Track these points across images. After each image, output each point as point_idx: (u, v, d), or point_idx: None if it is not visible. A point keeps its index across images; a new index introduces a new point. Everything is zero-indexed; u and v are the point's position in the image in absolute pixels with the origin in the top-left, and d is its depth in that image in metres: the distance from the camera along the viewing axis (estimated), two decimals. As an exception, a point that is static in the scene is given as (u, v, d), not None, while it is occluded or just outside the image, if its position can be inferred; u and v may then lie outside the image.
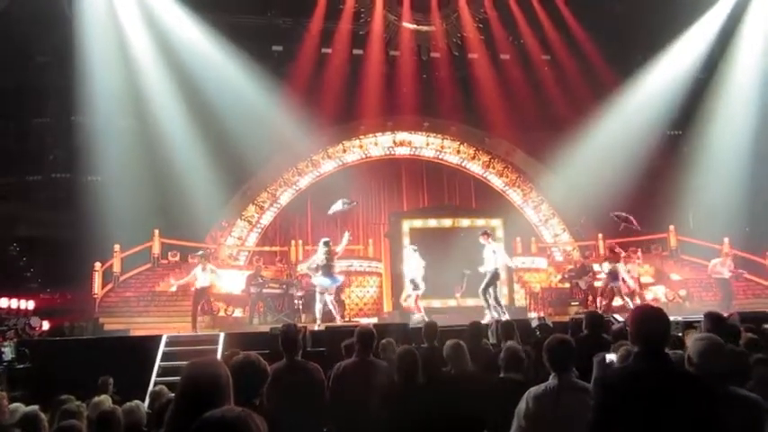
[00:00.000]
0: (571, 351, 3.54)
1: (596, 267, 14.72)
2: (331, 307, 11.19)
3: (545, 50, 18.26)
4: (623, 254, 13.31)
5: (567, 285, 15.56)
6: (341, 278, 11.95)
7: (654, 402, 2.54)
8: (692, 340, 3.21)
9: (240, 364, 2.92)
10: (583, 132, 17.38)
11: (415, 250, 12.18)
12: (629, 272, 12.85)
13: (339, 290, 13.31)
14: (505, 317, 10.53)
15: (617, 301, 13.07)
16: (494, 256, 11.00)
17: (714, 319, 4.82)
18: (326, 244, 11.20)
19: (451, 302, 13.32)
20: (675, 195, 18.37)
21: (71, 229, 15.59)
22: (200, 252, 13.27)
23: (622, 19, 17.22)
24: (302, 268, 14.28)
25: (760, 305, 13.12)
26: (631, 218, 13.29)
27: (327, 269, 11.03)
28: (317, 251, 11.43)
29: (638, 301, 12.29)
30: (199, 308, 11.82)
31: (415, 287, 11.89)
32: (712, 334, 3.39)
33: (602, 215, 17.94)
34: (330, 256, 11.10)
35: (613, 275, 12.60)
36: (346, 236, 11.75)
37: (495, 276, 10.98)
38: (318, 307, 11.08)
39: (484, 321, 10.21)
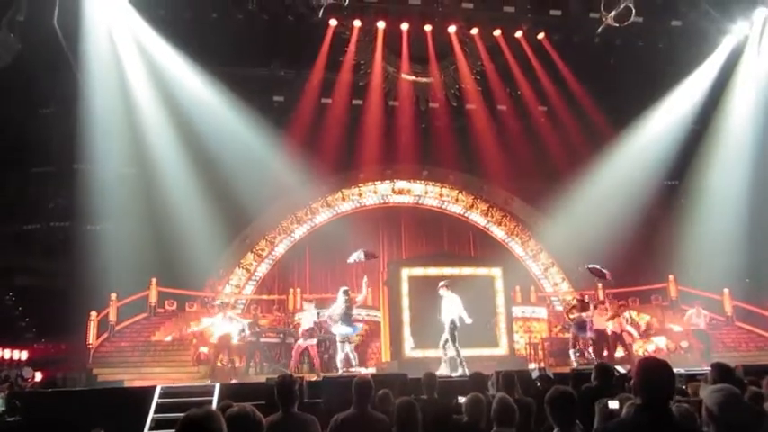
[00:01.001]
0: (574, 403, 3.45)
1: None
2: (351, 356, 11.08)
3: (541, 101, 18.57)
4: (593, 303, 13.14)
5: (569, 335, 15.34)
6: (360, 326, 11.88)
7: None
8: (707, 392, 3.08)
9: (234, 417, 2.85)
10: (580, 181, 17.52)
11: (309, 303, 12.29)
12: (589, 319, 12.62)
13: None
14: (461, 371, 10.40)
15: (619, 352, 12.90)
16: (450, 308, 11.03)
17: (722, 370, 4.62)
18: (346, 293, 11.16)
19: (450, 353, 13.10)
20: (674, 245, 18.42)
21: (68, 278, 15.54)
22: (218, 301, 13.26)
23: (617, 70, 17.58)
24: (319, 316, 14.10)
25: (763, 357, 12.93)
26: (605, 272, 13.24)
27: (347, 317, 10.98)
28: (336, 300, 11.32)
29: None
30: (221, 356, 11.81)
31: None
32: (729, 385, 3.28)
33: (600, 264, 17.90)
34: (350, 304, 11.07)
35: (580, 326, 12.37)
36: (365, 282, 11.63)
37: (453, 328, 10.96)
38: (340, 356, 10.98)
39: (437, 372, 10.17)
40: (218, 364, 13.89)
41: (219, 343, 12.20)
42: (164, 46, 15.17)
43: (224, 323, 12.15)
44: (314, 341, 12.11)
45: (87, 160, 14.71)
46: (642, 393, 2.70)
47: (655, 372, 2.74)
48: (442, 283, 11.51)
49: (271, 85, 17.41)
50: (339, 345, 11.05)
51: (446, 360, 11.00)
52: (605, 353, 12.67)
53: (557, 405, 3.41)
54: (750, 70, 16.79)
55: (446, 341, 11.04)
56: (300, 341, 12.07)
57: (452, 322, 10.99)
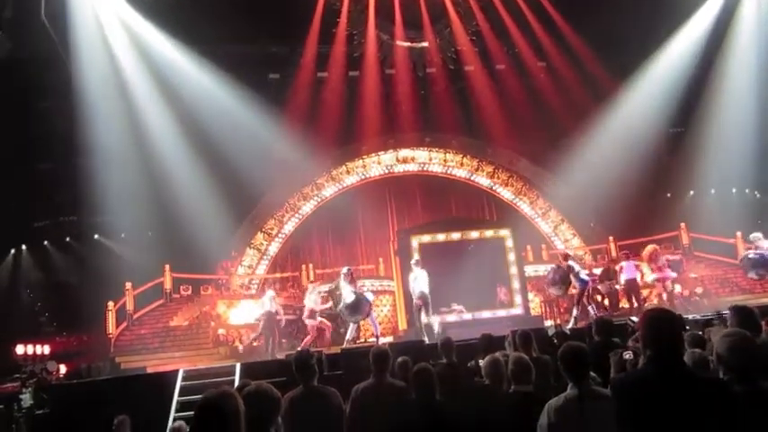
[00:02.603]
0: (586, 358, 3.47)
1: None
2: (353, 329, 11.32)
3: (540, 57, 18.30)
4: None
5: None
6: (371, 296, 11.91)
7: (669, 408, 2.48)
8: (718, 337, 3.09)
9: (251, 395, 2.87)
10: (585, 136, 17.37)
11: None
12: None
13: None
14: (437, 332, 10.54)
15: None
16: (415, 282, 11.28)
17: (741, 313, 4.55)
18: (346, 275, 11.28)
19: (466, 316, 13.22)
20: (683, 192, 18.32)
21: (82, 271, 15.69)
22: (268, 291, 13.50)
23: (614, 19, 17.21)
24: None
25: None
26: None
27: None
28: (342, 288, 11.30)
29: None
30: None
31: None
32: (739, 329, 3.28)
33: (611, 217, 17.88)
34: (353, 283, 11.21)
35: (580, 281, 12.26)
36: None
37: (426, 300, 11.18)
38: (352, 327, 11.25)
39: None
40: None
41: (267, 322, 12.25)
42: (154, 30, 15.03)
43: (272, 303, 12.28)
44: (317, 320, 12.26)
45: (89, 153, 14.72)
46: (650, 345, 2.70)
47: (660, 322, 2.73)
48: (413, 261, 11.76)
49: (265, 62, 17.23)
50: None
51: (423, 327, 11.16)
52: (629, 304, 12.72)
53: (568, 361, 3.44)
54: (751, 8, 16.44)
55: (420, 310, 11.24)
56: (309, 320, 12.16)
57: (422, 294, 11.15)
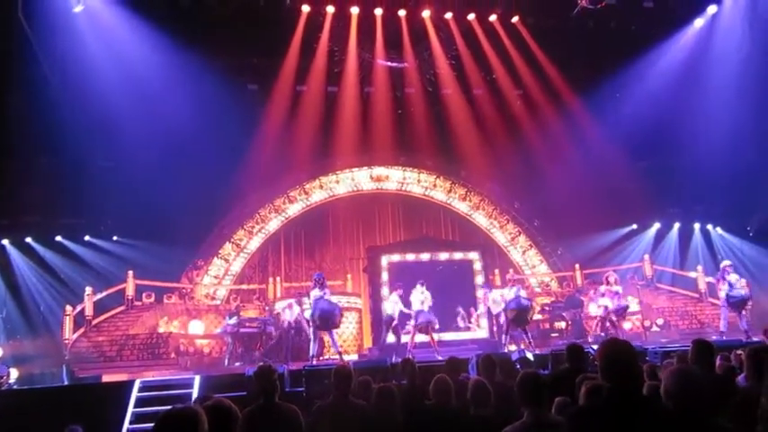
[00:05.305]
0: (542, 386, 3.49)
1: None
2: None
3: (517, 85, 18.59)
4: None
5: (541, 317, 15.57)
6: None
7: None
8: (667, 372, 3.14)
9: (209, 410, 2.81)
10: (556, 163, 17.65)
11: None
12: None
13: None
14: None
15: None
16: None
17: (700, 347, 4.63)
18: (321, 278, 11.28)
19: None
20: (649, 224, 18.70)
21: (40, 273, 15.27)
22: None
23: (591, 54, 17.61)
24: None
25: (735, 332, 13.13)
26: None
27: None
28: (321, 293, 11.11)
29: None
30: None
31: None
32: (689, 364, 3.34)
33: (578, 245, 18.19)
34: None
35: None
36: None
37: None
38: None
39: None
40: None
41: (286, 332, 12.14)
42: (133, 33, 14.84)
43: (290, 312, 12.19)
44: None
45: (57, 152, 14.39)
46: (607, 376, 2.72)
47: (615, 353, 2.76)
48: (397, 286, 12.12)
49: (244, 72, 17.14)
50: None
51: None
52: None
53: (523, 388, 3.45)
54: (724, 46, 16.94)
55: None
56: None
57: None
